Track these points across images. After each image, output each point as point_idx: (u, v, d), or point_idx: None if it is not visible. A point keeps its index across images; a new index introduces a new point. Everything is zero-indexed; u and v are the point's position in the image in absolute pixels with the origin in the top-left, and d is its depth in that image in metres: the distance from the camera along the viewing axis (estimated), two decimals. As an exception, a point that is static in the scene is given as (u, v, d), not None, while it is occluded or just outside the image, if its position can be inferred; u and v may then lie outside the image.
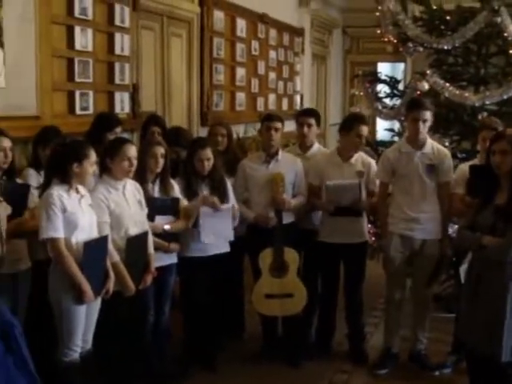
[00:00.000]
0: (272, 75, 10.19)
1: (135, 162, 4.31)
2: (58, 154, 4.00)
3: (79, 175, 3.95)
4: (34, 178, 4.50)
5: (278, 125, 5.30)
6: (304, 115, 5.62)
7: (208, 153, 4.93)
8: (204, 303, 4.99)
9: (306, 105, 11.69)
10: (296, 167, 5.32)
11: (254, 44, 9.41)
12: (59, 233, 3.84)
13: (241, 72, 9.03)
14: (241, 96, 9.12)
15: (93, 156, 4.01)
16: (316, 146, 5.64)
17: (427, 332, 5.23)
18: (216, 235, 4.91)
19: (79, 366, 4.01)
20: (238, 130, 8.40)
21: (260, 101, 9.76)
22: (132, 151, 4.31)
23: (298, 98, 11.52)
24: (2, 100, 4.86)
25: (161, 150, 4.66)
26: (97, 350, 4.20)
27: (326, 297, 5.45)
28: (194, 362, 5.08)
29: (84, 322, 4.00)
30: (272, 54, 10.14)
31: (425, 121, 4.90)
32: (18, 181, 4.38)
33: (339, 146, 5.34)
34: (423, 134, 4.96)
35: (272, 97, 10.28)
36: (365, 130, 5.21)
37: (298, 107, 11.36)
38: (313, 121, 5.52)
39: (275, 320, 5.38)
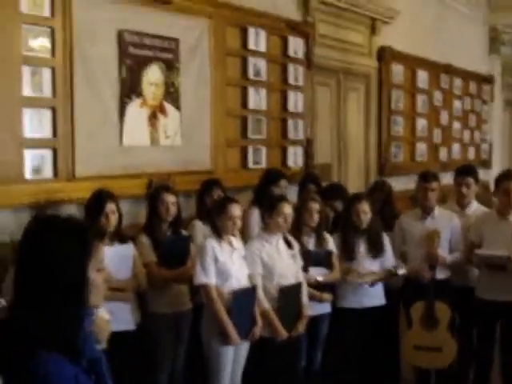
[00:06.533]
0: (456, 125, 10.17)
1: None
2: (211, 209, 4.46)
3: (226, 228, 4.36)
4: (199, 229, 4.96)
5: (435, 185, 5.34)
6: (462, 175, 5.57)
7: (365, 206, 5.12)
8: (356, 354, 5.15)
9: (496, 153, 11.49)
10: (452, 223, 5.36)
11: (437, 94, 9.48)
12: (211, 280, 4.27)
13: (422, 123, 9.14)
14: (422, 146, 9.20)
15: (237, 210, 4.38)
16: (475, 204, 5.62)
17: None
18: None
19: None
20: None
21: (443, 151, 9.78)
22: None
23: (486, 147, 11.33)
24: (178, 157, 5.44)
25: (316, 206, 4.94)
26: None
27: (482, 353, 5.38)
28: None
29: (231, 364, 4.35)
30: (457, 103, 10.14)
31: None
32: (184, 232, 4.86)
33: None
34: None
35: (456, 146, 10.23)
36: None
37: (486, 156, 11.20)
38: (471, 180, 5.51)
39: (429, 371, 5.42)
